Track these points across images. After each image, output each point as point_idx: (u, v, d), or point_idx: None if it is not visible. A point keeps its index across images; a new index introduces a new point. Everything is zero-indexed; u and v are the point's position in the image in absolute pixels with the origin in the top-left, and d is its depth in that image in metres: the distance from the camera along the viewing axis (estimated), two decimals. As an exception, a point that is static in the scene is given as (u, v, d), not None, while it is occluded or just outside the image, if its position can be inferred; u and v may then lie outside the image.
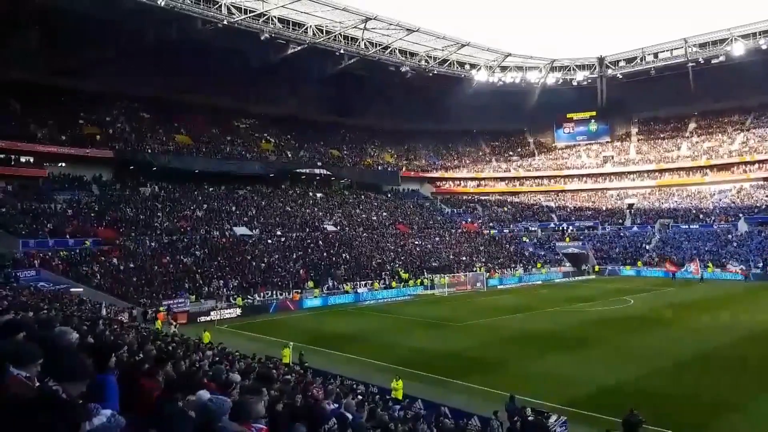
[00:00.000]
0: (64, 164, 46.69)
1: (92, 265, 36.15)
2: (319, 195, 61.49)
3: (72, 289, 30.91)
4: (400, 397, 16.07)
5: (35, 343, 3.63)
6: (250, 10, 49.93)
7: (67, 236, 38.26)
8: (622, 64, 71.21)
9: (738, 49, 60.21)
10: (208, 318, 34.13)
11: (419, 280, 47.75)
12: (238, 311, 36.15)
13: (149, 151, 50.73)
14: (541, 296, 42.80)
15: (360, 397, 13.33)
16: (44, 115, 46.96)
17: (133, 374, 4.99)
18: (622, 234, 64.40)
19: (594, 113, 77.96)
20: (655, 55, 68.32)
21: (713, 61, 63.06)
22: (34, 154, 44.21)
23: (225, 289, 38.18)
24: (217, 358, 14.08)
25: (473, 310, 36.44)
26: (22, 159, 44.24)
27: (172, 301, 34.47)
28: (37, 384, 3.11)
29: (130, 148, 49.83)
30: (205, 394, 4.33)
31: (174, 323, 29.63)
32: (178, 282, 37.29)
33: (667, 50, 67.59)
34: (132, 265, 37.52)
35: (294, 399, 7.47)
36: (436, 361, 22.13)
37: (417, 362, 21.72)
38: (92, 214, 42.40)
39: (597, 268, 58.91)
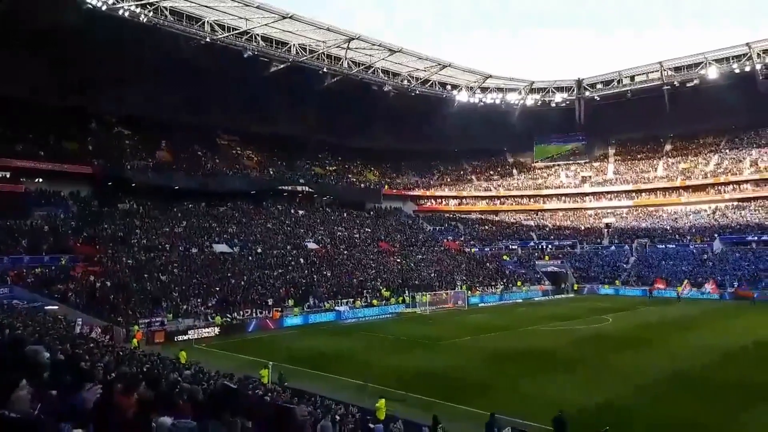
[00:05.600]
0: (41, 180, 45.97)
1: (68, 282, 35.46)
2: (301, 212, 61.30)
3: (47, 307, 30.24)
4: (383, 417, 15.92)
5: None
6: (233, 28, 50.17)
7: (43, 253, 37.55)
8: (599, 86, 72.68)
9: (712, 73, 61.82)
10: (186, 337, 33.56)
11: (401, 298, 47.66)
12: (217, 330, 35.59)
13: (129, 167, 50.22)
14: (522, 314, 42.98)
15: (338, 417, 13.23)
16: (22, 130, 46.33)
17: (108, 393, 4.92)
18: (599, 253, 65.18)
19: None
20: (632, 78, 69.93)
21: (688, 84, 64.65)
22: (10, 169, 43.44)
23: (203, 308, 37.67)
24: (194, 378, 13.87)
25: (455, 328, 36.46)
26: (-2, 174, 43.53)
27: (149, 320, 33.92)
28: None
29: (110, 164, 49.24)
30: (167, 420, 4.30)
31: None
32: (155, 300, 36.70)
33: (643, 73, 69.20)
34: (109, 283, 36.86)
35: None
36: (417, 381, 22.02)
37: (398, 381, 21.56)
38: (69, 231, 41.71)
39: (576, 286, 59.45)
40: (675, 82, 65.39)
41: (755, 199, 62.76)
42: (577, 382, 21.48)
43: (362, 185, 70.93)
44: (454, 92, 69.06)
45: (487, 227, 73.25)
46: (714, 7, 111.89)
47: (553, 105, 73.84)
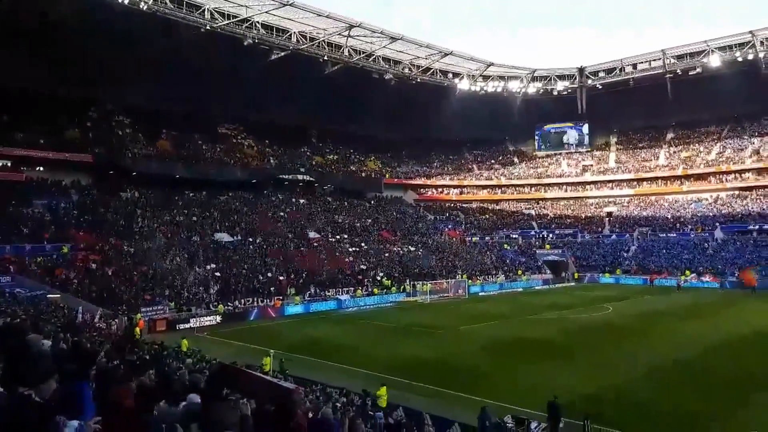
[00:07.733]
0: (42, 168, 45.96)
1: (70, 270, 35.57)
2: (302, 201, 61.30)
3: (49, 295, 30.37)
4: (384, 405, 16.01)
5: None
6: (233, 16, 49.87)
7: (45, 241, 37.64)
8: (601, 74, 72.22)
9: (715, 61, 61.42)
10: (188, 325, 33.70)
11: (401, 287, 47.74)
12: (219, 318, 35.75)
13: (130, 156, 50.20)
14: (522, 303, 43.07)
15: (338, 405, 13.31)
16: (23, 119, 46.24)
17: (108, 382, 4.96)
18: (600, 242, 65.18)
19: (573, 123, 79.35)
20: (634, 66, 69.44)
21: (690, 73, 64.22)
22: (11, 158, 43.47)
23: (205, 296, 37.80)
24: (197, 366, 13.97)
25: (455, 317, 36.54)
26: (-1, 162, 43.54)
27: (151, 308, 34.05)
28: (1, 390, 3.10)
29: (110, 153, 49.20)
30: (195, 397, 4.31)
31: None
32: (157, 288, 36.84)
33: (645, 61, 68.70)
34: (110, 271, 36.98)
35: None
36: (418, 369, 22.11)
37: (399, 369, 21.69)
38: (71, 220, 41.78)
39: (576, 275, 59.53)
40: (677, 71, 64.95)
41: (757, 188, 62.64)
42: (576, 371, 21.53)
43: (363, 174, 70.87)
44: (456, 80, 68.74)
45: (487, 216, 73.27)
46: (714, 7, 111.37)
47: (555, 93, 73.50)
